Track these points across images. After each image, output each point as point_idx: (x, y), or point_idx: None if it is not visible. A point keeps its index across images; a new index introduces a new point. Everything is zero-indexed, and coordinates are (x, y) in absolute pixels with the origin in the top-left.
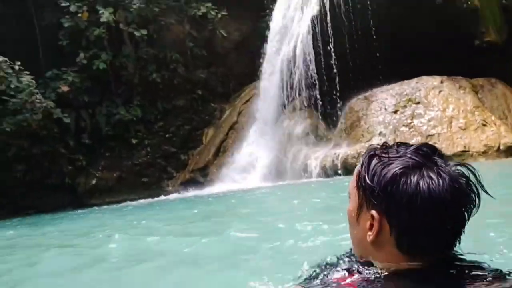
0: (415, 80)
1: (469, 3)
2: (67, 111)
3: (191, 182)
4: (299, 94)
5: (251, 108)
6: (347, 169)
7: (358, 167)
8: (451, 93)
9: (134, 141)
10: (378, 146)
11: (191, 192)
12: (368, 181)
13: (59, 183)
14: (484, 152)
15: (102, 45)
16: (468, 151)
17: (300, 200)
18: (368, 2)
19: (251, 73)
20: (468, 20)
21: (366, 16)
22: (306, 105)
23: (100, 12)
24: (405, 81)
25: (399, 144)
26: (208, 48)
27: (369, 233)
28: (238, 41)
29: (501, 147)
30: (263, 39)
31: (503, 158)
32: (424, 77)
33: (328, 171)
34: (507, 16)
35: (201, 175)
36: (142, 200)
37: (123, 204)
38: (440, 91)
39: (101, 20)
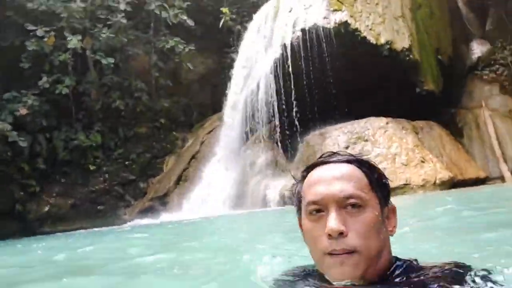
0: (364, 120)
1: (411, 56)
2: (23, 134)
3: (150, 211)
4: (261, 127)
5: (214, 138)
6: None
7: (358, 173)
8: (395, 133)
9: (91, 167)
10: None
11: (148, 221)
12: (384, 179)
13: (9, 209)
14: (423, 186)
15: (66, 70)
16: (409, 184)
17: (257, 227)
18: (325, 50)
19: (214, 105)
20: (410, 71)
21: (323, 62)
22: (267, 137)
23: (68, 38)
24: (356, 121)
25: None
26: (173, 78)
27: (390, 228)
28: (203, 74)
29: (437, 181)
30: (227, 73)
31: (438, 191)
32: (372, 118)
33: (287, 200)
34: (442, 69)
35: (160, 204)
36: (96, 229)
37: (70, 232)
38: (385, 131)
39: (68, 46)
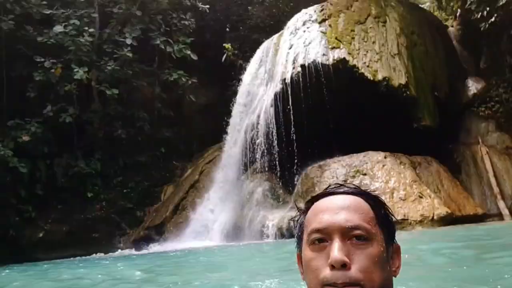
0: (362, 154)
1: (408, 92)
2: (24, 160)
3: (145, 240)
4: (261, 159)
5: (214, 169)
6: None
7: (365, 206)
8: (393, 168)
9: (89, 194)
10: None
11: (143, 251)
12: (392, 216)
13: (2, 234)
14: (420, 221)
15: (71, 99)
16: (407, 219)
17: (253, 260)
18: (324, 85)
19: (214, 135)
20: (408, 107)
21: (322, 96)
22: (266, 169)
23: (75, 70)
24: (355, 154)
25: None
26: (175, 109)
27: (394, 268)
28: (204, 105)
29: (435, 217)
30: (228, 105)
31: (436, 227)
32: (371, 152)
33: (284, 233)
34: (439, 105)
35: (156, 233)
36: (91, 256)
37: (61, 260)
38: (383, 165)
39: (75, 77)
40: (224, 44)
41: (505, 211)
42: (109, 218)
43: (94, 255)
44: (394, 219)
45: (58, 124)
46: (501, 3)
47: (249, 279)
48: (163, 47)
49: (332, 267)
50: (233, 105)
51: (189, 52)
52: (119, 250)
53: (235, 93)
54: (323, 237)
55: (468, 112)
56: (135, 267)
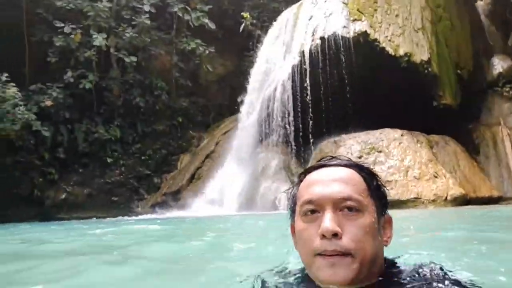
0: (379, 131)
1: (430, 69)
2: (46, 124)
3: (162, 205)
4: (276, 131)
5: (229, 140)
6: None
7: (357, 178)
8: (410, 146)
9: (109, 160)
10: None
11: (159, 215)
12: (384, 188)
13: (27, 194)
14: (434, 201)
15: (90, 66)
16: (420, 198)
17: (268, 228)
18: (343, 59)
19: (231, 106)
20: (429, 84)
21: (341, 70)
22: (281, 142)
23: (94, 36)
24: (371, 131)
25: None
26: (192, 79)
27: (385, 238)
28: (221, 76)
29: (448, 198)
30: (245, 76)
31: (449, 207)
32: (387, 129)
33: None
34: (461, 83)
35: (173, 199)
36: (109, 219)
37: (84, 220)
38: (400, 143)
39: (94, 43)
40: (242, 13)
41: None
42: (128, 183)
43: (113, 218)
44: (385, 190)
45: (79, 90)
46: None
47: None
48: (180, 15)
49: (323, 236)
50: (250, 76)
51: (206, 20)
52: (137, 215)
53: (252, 64)
54: (315, 208)
55: (491, 92)
56: (154, 229)
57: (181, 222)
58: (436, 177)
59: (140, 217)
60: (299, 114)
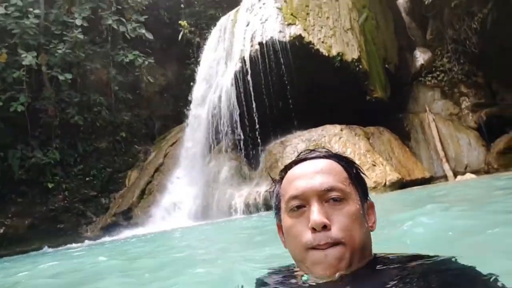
0: (320, 128)
1: (360, 66)
2: None
3: (113, 227)
4: (224, 138)
5: (178, 150)
6: (267, 206)
7: (337, 167)
8: (349, 139)
9: (50, 185)
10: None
11: (111, 238)
12: (363, 174)
13: None
14: (374, 188)
15: (20, 87)
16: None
17: (222, 236)
18: (282, 62)
19: (175, 116)
20: (361, 80)
21: (281, 73)
22: (231, 148)
23: (23, 55)
24: (313, 129)
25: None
26: (133, 91)
27: (370, 224)
28: (163, 86)
29: (387, 183)
30: (188, 84)
31: (388, 192)
32: (328, 126)
33: (251, 209)
34: (389, 77)
35: (124, 219)
36: (57, 248)
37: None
38: (340, 138)
39: (23, 63)
40: (180, 22)
41: (449, 173)
42: (73, 207)
43: (62, 246)
44: (364, 176)
45: (10, 113)
46: None
47: (224, 252)
48: (115, 27)
49: (314, 230)
50: (193, 85)
51: (143, 31)
52: (87, 240)
53: (193, 72)
54: (300, 203)
55: (416, 82)
56: (104, 254)
57: (127, 243)
58: (374, 165)
59: (88, 243)
60: (246, 119)
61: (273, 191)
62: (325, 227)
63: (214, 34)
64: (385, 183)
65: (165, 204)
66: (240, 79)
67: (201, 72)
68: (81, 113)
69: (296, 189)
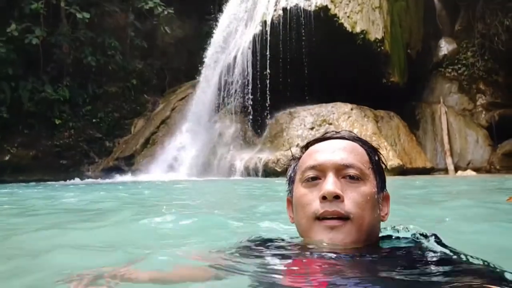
0: (331, 104)
1: (382, 48)
2: None
3: (114, 170)
4: (234, 100)
5: (186, 106)
6: (267, 172)
7: (360, 150)
8: (357, 120)
9: (57, 121)
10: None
11: (111, 180)
12: (383, 163)
13: None
14: None
15: (37, 19)
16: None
17: (225, 192)
18: (303, 32)
19: (188, 71)
20: (379, 62)
21: (300, 44)
22: (238, 111)
23: None
24: (323, 104)
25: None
26: (148, 40)
27: (383, 214)
28: (180, 38)
29: (388, 168)
30: (205, 40)
31: (389, 176)
32: (338, 103)
33: (251, 172)
34: (409, 63)
35: (125, 164)
36: (59, 182)
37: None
38: (349, 117)
39: None
40: None
41: (451, 167)
42: (78, 146)
43: (62, 181)
44: (382, 165)
45: (24, 45)
46: None
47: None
48: None
49: (324, 198)
50: (210, 41)
51: None
52: (87, 178)
53: (212, 29)
54: (317, 175)
55: (435, 72)
56: (100, 194)
57: (131, 187)
58: (378, 148)
59: (89, 180)
60: (258, 83)
61: (291, 165)
62: (337, 198)
63: None
64: (385, 167)
65: (167, 157)
66: (258, 42)
67: (220, 30)
68: (95, 54)
69: (314, 160)
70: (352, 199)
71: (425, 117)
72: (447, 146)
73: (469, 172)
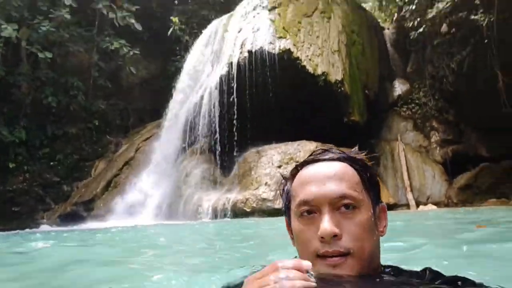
0: (297, 143)
1: (342, 89)
2: None
3: (72, 216)
4: (201, 140)
5: (151, 146)
6: (235, 213)
7: (351, 172)
8: None
9: (11, 165)
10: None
11: (68, 227)
12: (376, 178)
13: None
14: None
15: None
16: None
17: (183, 238)
18: (268, 73)
19: (153, 111)
20: (341, 101)
21: (266, 84)
22: (205, 150)
23: (3, 26)
24: (289, 143)
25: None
26: (112, 80)
27: (381, 228)
28: (145, 79)
29: None
30: (170, 81)
31: None
32: (304, 141)
33: (219, 214)
34: (368, 103)
35: (84, 209)
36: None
37: None
38: None
39: (2, 34)
40: (171, 17)
41: (412, 202)
42: (32, 191)
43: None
44: (377, 180)
45: None
46: (429, 16)
47: (179, 258)
48: (105, 12)
49: (323, 239)
50: (176, 81)
51: (133, 21)
52: (42, 226)
53: (178, 69)
54: (311, 209)
55: (391, 111)
56: (54, 244)
57: (89, 234)
58: None
59: (44, 228)
60: (225, 123)
61: (283, 189)
62: (335, 236)
63: (205, 35)
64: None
65: (130, 200)
66: (225, 83)
67: (187, 70)
68: (56, 95)
69: (307, 195)
70: (350, 233)
71: (385, 154)
72: (407, 182)
73: (430, 207)
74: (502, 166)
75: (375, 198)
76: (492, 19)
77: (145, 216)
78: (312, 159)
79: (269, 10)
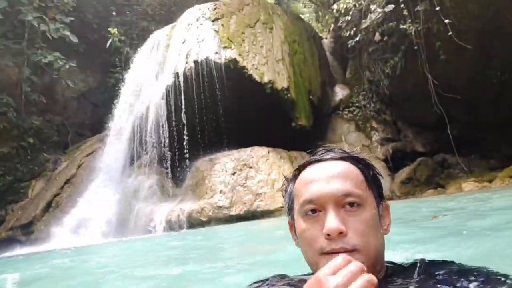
0: (249, 149)
1: (289, 95)
2: None
3: (9, 242)
4: (149, 151)
5: (94, 162)
6: (191, 223)
7: (354, 170)
8: (275, 161)
9: None
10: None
11: (5, 254)
12: (379, 176)
13: None
14: None
15: None
16: (284, 207)
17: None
18: (216, 82)
19: (93, 125)
20: (288, 107)
21: (214, 93)
22: (155, 162)
23: None
24: (242, 149)
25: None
26: (47, 95)
27: (385, 227)
28: (82, 92)
29: None
30: (110, 93)
31: None
32: (256, 147)
33: (173, 226)
34: (313, 108)
35: (22, 233)
36: None
37: None
38: (267, 159)
39: None
40: (109, 29)
41: None
42: None
43: None
44: (380, 178)
45: None
46: (364, 26)
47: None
48: (35, 24)
49: (329, 236)
50: (118, 93)
51: (68, 33)
52: None
53: (118, 81)
54: (316, 208)
55: (335, 115)
56: None
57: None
58: None
59: None
60: (174, 133)
61: (286, 190)
62: (341, 234)
63: (147, 45)
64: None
65: (74, 219)
66: (172, 93)
67: (130, 82)
68: None
69: (311, 193)
70: (356, 230)
71: None
72: None
73: None
74: (436, 159)
75: (379, 195)
76: (419, 28)
77: (92, 235)
78: (314, 159)
79: (212, 21)
